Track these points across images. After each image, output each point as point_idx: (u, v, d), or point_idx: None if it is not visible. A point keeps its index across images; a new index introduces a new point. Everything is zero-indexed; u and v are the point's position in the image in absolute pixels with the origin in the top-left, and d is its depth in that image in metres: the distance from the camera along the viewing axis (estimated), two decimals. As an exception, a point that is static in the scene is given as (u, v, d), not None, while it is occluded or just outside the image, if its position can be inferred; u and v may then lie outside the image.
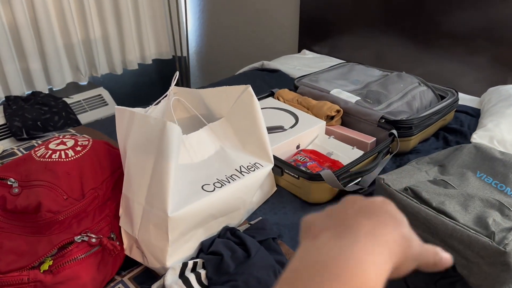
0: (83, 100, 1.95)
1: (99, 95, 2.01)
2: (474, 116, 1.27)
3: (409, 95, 1.17)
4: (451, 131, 1.19)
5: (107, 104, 2.00)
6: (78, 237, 0.67)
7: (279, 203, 0.92)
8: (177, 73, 0.85)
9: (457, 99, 1.19)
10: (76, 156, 0.77)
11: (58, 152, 0.77)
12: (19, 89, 1.91)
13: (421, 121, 1.07)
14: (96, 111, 1.94)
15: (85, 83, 2.12)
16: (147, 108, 0.87)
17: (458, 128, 1.19)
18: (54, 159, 0.76)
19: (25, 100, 1.84)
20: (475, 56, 1.47)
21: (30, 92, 1.95)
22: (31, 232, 0.69)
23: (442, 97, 1.22)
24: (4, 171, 0.75)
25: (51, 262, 0.63)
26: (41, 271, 0.62)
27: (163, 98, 0.89)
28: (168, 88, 0.91)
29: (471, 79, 1.50)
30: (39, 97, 1.86)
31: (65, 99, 1.89)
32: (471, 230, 0.69)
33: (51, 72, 1.98)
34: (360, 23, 1.77)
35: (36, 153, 0.78)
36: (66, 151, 0.78)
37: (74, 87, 2.08)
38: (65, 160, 0.76)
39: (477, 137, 1.08)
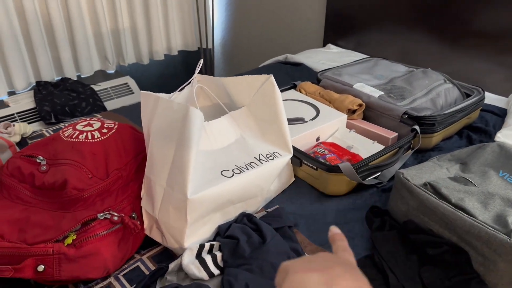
0: (110, 87, 1.99)
1: (126, 83, 2.05)
2: (500, 116, 1.25)
3: (433, 92, 1.16)
4: (475, 130, 1.17)
5: (133, 93, 2.04)
6: (101, 214, 0.69)
7: (296, 194, 0.93)
8: (201, 60, 0.87)
9: (483, 98, 1.16)
10: (102, 137, 0.80)
11: (85, 133, 0.80)
12: (49, 75, 1.97)
13: (445, 118, 1.05)
14: (122, 99, 1.98)
15: (112, 71, 2.17)
16: (171, 94, 0.89)
17: (483, 127, 1.17)
18: (81, 140, 0.79)
19: (54, 86, 1.90)
20: (504, 56, 1.44)
21: (59, 78, 2.01)
22: (57, 208, 0.72)
23: (468, 95, 1.20)
24: (34, 150, 0.79)
25: (74, 237, 0.66)
26: (65, 244, 0.65)
27: (187, 85, 0.91)
28: (192, 79, 0.93)
29: (499, 78, 1.47)
30: (68, 84, 1.91)
31: (92, 86, 1.94)
32: (489, 227, 0.69)
33: (80, 60, 2.03)
34: (387, 19, 1.75)
35: (64, 133, 0.81)
36: (93, 132, 0.81)
37: (102, 75, 2.13)
38: (91, 141, 0.79)
39: (501, 136, 1.06)
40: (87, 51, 2.04)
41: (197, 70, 0.88)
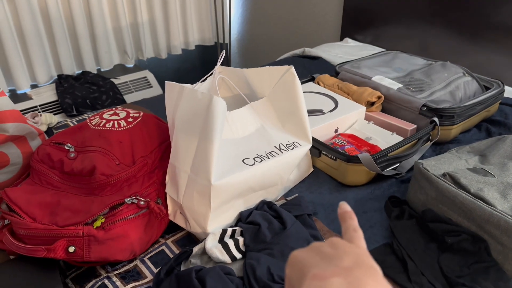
0: (130, 81, 2.03)
1: (145, 77, 2.08)
2: (520, 109, 1.24)
3: (452, 84, 1.16)
4: (494, 123, 1.17)
5: (151, 87, 2.07)
6: (128, 199, 0.72)
7: (315, 183, 0.94)
8: (223, 52, 0.89)
9: (503, 91, 1.16)
10: (128, 126, 0.83)
11: (111, 122, 0.83)
12: (70, 69, 2.01)
13: (464, 111, 1.05)
14: (141, 92, 2.02)
15: (131, 65, 2.21)
16: (194, 84, 0.91)
17: (502, 120, 1.17)
18: (108, 128, 0.81)
19: (75, 79, 1.95)
20: (526, 49, 1.42)
21: (80, 71, 2.05)
22: (85, 193, 0.75)
23: (487, 88, 1.19)
24: (62, 137, 0.82)
25: (103, 220, 0.69)
26: (94, 227, 0.68)
27: (209, 76, 0.93)
28: (209, 73, 0.95)
29: (520, 72, 1.46)
30: (88, 77, 1.96)
31: (112, 79, 1.98)
32: (508, 216, 0.69)
33: (100, 53, 2.08)
34: (405, 12, 1.74)
35: (91, 122, 0.84)
36: (119, 121, 0.83)
37: (121, 69, 2.17)
38: (118, 129, 0.82)
39: (521, 128, 1.06)
40: (107, 45, 2.08)
41: (220, 61, 0.90)
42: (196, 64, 2.70)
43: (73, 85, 1.88)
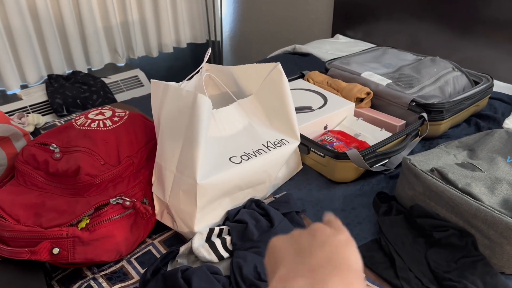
0: (120, 80, 2.02)
1: (136, 76, 2.07)
2: (509, 104, 1.24)
3: (442, 80, 1.16)
4: (484, 117, 1.17)
5: (143, 85, 2.06)
6: (114, 199, 0.71)
7: (304, 180, 0.94)
8: (210, 49, 0.88)
9: (492, 85, 1.16)
10: (114, 126, 0.82)
11: (97, 122, 0.82)
12: (61, 69, 2.00)
13: (453, 106, 1.05)
14: (132, 91, 2.00)
15: (122, 64, 2.20)
16: (181, 83, 0.90)
17: (492, 114, 1.17)
18: (93, 128, 0.81)
19: (66, 79, 1.93)
20: (515, 43, 1.43)
21: (70, 71, 2.03)
22: (71, 194, 0.74)
23: (477, 83, 1.19)
24: (47, 138, 0.81)
25: (88, 221, 0.68)
26: (79, 228, 0.67)
27: (195, 74, 0.92)
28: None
29: (509, 66, 1.46)
30: (79, 76, 1.94)
31: (103, 79, 1.97)
32: (495, 211, 0.69)
33: (90, 53, 2.06)
34: (395, 8, 1.74)
35: (77, 121, 0.83)
36: (104, 120, 0.83)
37: (112, 68, 2.15)
38: (103, 129, 0.81)
39: (509, 123, 1.06)
40: (97, 45, 2.06)
41: (206, 58, 0.89)
42: (188, 62, 2.68)
43: (64, 85, 1.87)
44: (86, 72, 2.04)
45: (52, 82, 1.89)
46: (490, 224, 0.69)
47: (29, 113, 1.69)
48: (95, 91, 1.88)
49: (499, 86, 1.35)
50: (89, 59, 2.09)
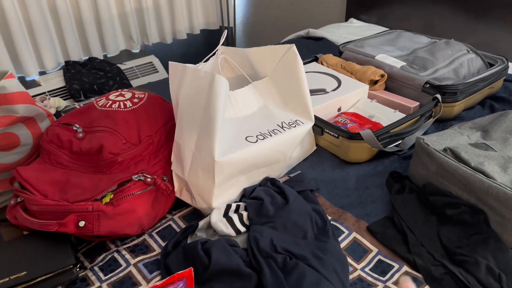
0: (136, 66, 2.05)
1: (150, 62, 2.10)
2: (525, 86, 1.24)
3: (456, 62, 1.16)
4: (498, 99, 1.17)
5: (157, 71, 2.09)
6: (135, 176, 0.74)
7: (318, 161, 0.96)
8: (226, 31, 0.90)
9: (507, 67, 1.16)
10: (134, 107, 0.85)
11: (117, 103, 0.85)
12: (77, 55, 2.03)
13: (467, 87, 1.05)
14: (147, 77, 2.03)
15: (137, 51, 2.22)
16: (197, 65, 0.92)
17: (507, 97, 1.16)
18: (114, 109, 0.83)
19: (82, 65, 1.97)
20: (532, 25, 1.41)
21: (86, 58, 2.07)
22: (94, 172, 0.77)
23: (492, 65, 1.19)
24: (70, 118, 0.84)
25: (111, 196, 0.71)
26: (103, 203, 0.70)
27: (211, 56, 0.94)
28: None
29: (526, 49, 1.44)
30: (95, 63, 1.98)
31: (119, 65, 2.00)
32: (507, 188, 0.70)
33: (106, 40, 2.09)
34: (410, -9, 1.72)
35: (98, 103, 0.86)
36: (125, 102, 0.85)
37: (127, 55, 2.18)
38: (123, 109, 0.84)
39: (524, 104, 1.06)
40: (112, 31, 2.09)
41: (221, 41, 0.91)
42: (201, 49, 2.70)
43: (80, 71, 1.91)
44: (101, 58, 2.07)
45: (69, 68, 1.93)
46: (502, 201, 0.70)
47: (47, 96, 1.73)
48: (111, 77, 1.91)
49: (515, 69, 1.34)
50: (104, 46, 2.12)
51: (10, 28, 1.78)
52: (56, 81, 1.86)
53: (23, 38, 1.83)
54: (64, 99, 1.80)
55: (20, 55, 1.85)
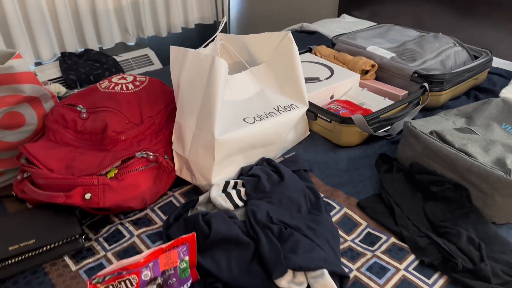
0: (131, 58, 2.07)
1: (146, 54, 2.13)
2: (507, 78, 1.29)
3: (443, 54, 1.21)
4: (483, 90, 1.23)
5: (152, 64, 2.12)
6: (139, 153, 0.78)
7: (311, 144, 1.00)
8: (225, 18, 0.94)
9: (491, 59, 1.21)
10: (136, 89, 0.88)
11: (120, 85, 0.89)
12: (73, 46, 2.05)
13: (453, 77, 1.11)
14: (142, 69, 2.06)
15: (132, 43, 2.25)
16: (197, 49, 0.96)
17: (491, 88, 1.22)
18: (117, 90, 0.87)
19: (78, 56, 1.99)
20: (516, 21, 1.47)
21: (82, 49, 2.09)
22: (98, 149, 0.81)
23: (477, 58, 1.25)
24: (74, 99, 0.87)
25: (116, 171, 0.75)
26: (108, 177, 0.74)
27: (210, 42, 0.98)
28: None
29: (510, 45, 1.51)
30: (91, 54, 2.00)
31: (114, 57, 2.02)
32: (488, 166, 0.75)
33: (102, 32, 2.12)
34: (400, -12, 1.78)
35: (101, 85, 0.90)
36: (127, 84, 0.89)
37: (122, 47, 2.21)
38: (126, 92, 0.87)
39: (505, 92, 1.12)
40: (108, 24, 2.11)
41: (220, 27, 0.95)
42: (196, 43, 2.73)
43: (77, 62, 1.93)
44: (97, 50, 2.10)
45: (66, 59, 1.95)
46: (483, 177, 0.75)
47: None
48: (107, 68, 1.94)
49: (499, 63, 1.40)
50: (100, 38, 2.14)
51: (6, 18, 1.80)
52: (52, 71, 1.88)
53: (19, 28, 1.85)
54: (61, 89, 1.82)
55: (16, 45, 1.87)
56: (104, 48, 2.18)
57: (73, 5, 2.00)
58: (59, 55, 2.02)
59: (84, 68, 1.89)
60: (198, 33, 2.68)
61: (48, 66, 1.92)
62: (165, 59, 2.43)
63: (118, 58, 2.03)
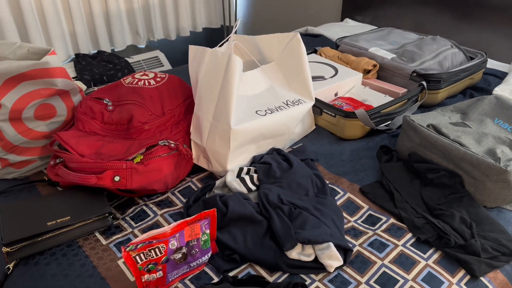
0: (142, 60, 2.16)
1: (156, 56, 2.21)
2: (501, 78, 1.37)
3: (441, 55, 1.29)
4: (478, 89, 1.30)
5: (162, 65, 2.20)
6: (161, 141, 0.86)
7: (317, 138, 1.08)
8: (239, 20, 1.02)
9: (486, 60, 1.29)
10: (157, 84, 0.96)
11: (142, 81, 0.97)
12: (86, 48, 2.14)
13: (449, 76, 1.18)
14: (153, 70, 2.14)
15: (143, 46, 2.34)
16: (213, 48, 1.04)
17: (485, 87, 1.30)
18: (140, 86, 0.95)
19: (92, 57, 2.08)
20: (510, 26, 1.55)
21: (95, 51, 2.18)
22: (125, 139, 0.89)
23: (473, 59, 1.32)
24: (101, 93, 0.95)
25: (141, 157, 0.83)
26: (134, 162, 0.82)
27: (225, 42, 1.06)
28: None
29: (505, 48, 1.58)
30: (104, 55, 2.09)
31: (126, 58, 2.11)
32: (479, 154, 0.83)
33: (114, 34, 2.20)
34: (401, -7, 1.86)
35: (125, 81, 0.98)
36: (149, 80, 0.97)
37: (133, 49, 2.30)
38: (148, 87, 0.95)
39: (498, 90, 1.19)
40: (120, 27, 2.20)
41: (234, 29, 1.03)
42: (203, 46, 2.81)
43: (91, 63, 2.01)
44: (110, 52, 2.18)
45: (80, 60, 2.03)
46: (475, 165, 0.83)
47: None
48: (120, 69, 2.02)
49: (494, 64, 1.48)
50: (112, 40, 2.23)
51: (25, 21, 1.89)
52: (67, 72, 1.96)
53: (37, 30, 1.94)
54: (76, 88, 1.91)
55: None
56: (116, 50, 2.26)
57: (87, 7, 2.09)
58: (73, 56, 2.11)
59: (98, 69, 1.97)
60: (205, 36, 2.77)
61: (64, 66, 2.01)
62: (174, 61, 2.52)
63: (129, 60, 2.12)
